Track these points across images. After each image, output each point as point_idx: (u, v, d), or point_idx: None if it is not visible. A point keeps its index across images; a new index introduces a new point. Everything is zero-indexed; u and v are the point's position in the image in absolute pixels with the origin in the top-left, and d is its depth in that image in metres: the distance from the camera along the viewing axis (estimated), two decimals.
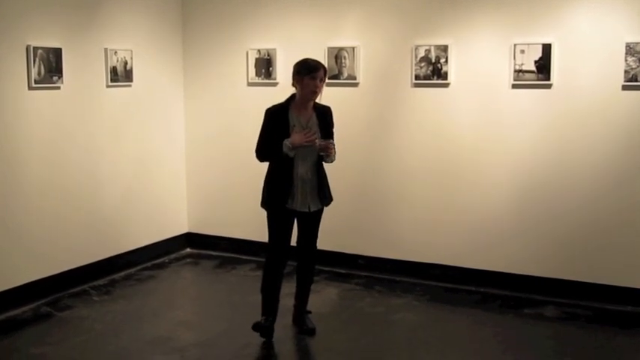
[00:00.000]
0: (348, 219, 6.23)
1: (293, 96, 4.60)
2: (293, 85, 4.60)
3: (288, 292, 4.94)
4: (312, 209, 4.64)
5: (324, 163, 4.68)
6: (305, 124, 4.55)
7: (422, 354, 4.59)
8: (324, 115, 4.67)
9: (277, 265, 4.67)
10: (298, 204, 4.58)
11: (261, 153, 4.57)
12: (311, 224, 4.74)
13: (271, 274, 4.67)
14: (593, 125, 5.27)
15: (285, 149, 4.44)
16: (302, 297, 4.90)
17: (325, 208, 6.11)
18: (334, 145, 4.57)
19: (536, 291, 5.55)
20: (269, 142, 4.51)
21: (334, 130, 4.75)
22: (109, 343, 4.71)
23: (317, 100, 4.63)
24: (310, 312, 4.94)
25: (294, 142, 4.44)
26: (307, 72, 4.47)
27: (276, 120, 4.52)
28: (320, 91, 4.54)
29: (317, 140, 4.50)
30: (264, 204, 4.66)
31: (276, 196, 4.57)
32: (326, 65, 6.04)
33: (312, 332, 4.83)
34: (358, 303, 5.50)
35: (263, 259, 4.85)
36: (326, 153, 4.54)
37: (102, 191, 6.02)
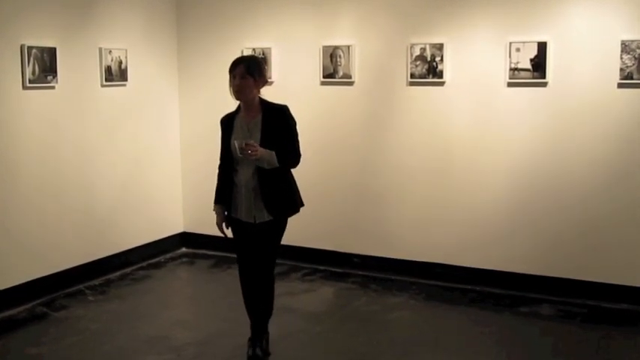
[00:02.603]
0: (343, 217, 6.23)
1: None
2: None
3: (283, 291, 4.93)
4: (257, 221, 4.22)
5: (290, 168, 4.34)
6: (247, 127, 4.20)
7: (418, 352, 4.59)
8: (275, 116, 4.20)
9: (245, 276, 4.39)
10: (243, 214, 4.24)
11: (219, 168, 4.41)
12: (262, 238, 4.25)
13: (243, 286, 4.43)
14: (589, 123, 5.27)
15: (214, 204, 4.40)
16: (256, 331, 4.42)
17: (320, 207, 6.12)
18: (255, 145, 4.02)
19: (532, 289, 5.55)
20: (224, 156, 4.32)
21: (297, 131, 4.31)
22: (104, 343, 4.70)
23: (263, 97, 4.26)
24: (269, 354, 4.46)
25: (217, 221, 4.38)
26: (229, 71, 4.16)
27: (225, 127, 4.30)
28: (243, 89, 4.11)
29: (235, 142, 4.08)
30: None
31: (227, 207, 4.33)
32: (321, 64, 6.09)
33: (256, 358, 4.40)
34: (354, 302, 5.50)
35: None
36: (243, 155, 4.04)
37: (97, 191, 6.01)
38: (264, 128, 4.17)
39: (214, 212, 4.42)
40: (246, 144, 4.02)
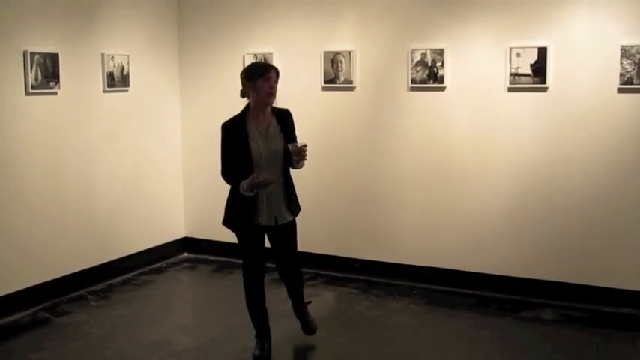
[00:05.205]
0: (344, 222, 6.24)
1: (248, 106, 4.33)
2: (242, 94, 4.34)
3: (285, 295, 4.93)
4: (279, 222, 4.35)
5: (291, 169, 4.42)
6: (265, 132, 4.27)
7: (420, 357, 4.59)
8: (285, 119, 4.38)
9: (256, 281, 4.44)
10: (264, 219, 4.31)
11: (229, 177, 4.27)
12: (283, 239, 4.46)
13: (252, 290, 4.46)
14: (589, 128, 5.29)
15: (241, 190, 4.17)
16: (297, 296, 4.73)
17: (322, 211, 6.15)
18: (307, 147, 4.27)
19: (533, 293, 5.56)
20: (232, 163, 4.24)
21: (296, 133, 4.47)
22: (106, 348, 4.71)
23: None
24: (310, 301, 4.87)
25: (252, 185, 4.12)
26: (259, 74, 4.21)
27: (234, 134, 4.24)
28: (275, 92, 4.27)
29: (289, 145, 4.25)
30: (227, 223, 4.40)
31: (240, 213, 4.30)
32: (322, 69, 6.12)
33: (311, 332, 4.78)
34: (356, 306, 5.51)
35: None
36: (299, 157, 4.23)
37: (99, 196, 6.03)
38: (283, 132, 4.33)
39: (245, 189, 4.16)
40: (304, 146, 4.23)
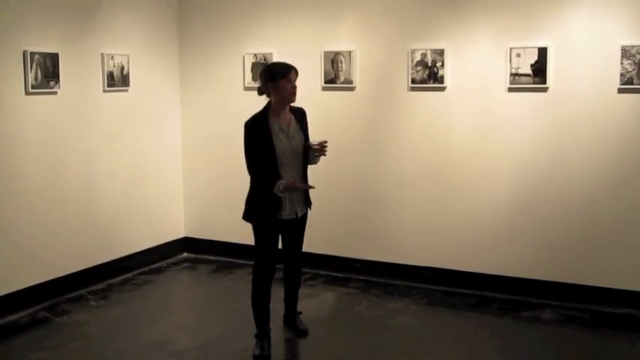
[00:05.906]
0: (344, 222, 6.24)
1: (268, 104, 4.49)
2: (260, 92, 4.53)
3: (281, 296, 4.94)
4: (299, 215, 4.59)
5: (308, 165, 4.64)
6: (287, 129, 4.47)
7: (420, 357, 4.59)
8: (302, 117, 4.62)
9: (269, 278, 4.55)
10: (286, 212, 4.50)
11: (257, 173, 4.44)
12: (299, 230, 4.72)
13: (263, 287, 4.55)
14: (589, 128, 5.28)
15: (275, 190, 4.35)
16: (292, 300, 4.95)
17: (322, 212, 6.15)
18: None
19: (533, 294, 5.56)
20: (259, 160, 4.40)
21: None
22: (106, 348, 4.71)
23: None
24: (301, 312, 4.99)
25: (289, 187, 4.37)
26: (282, 75, 4.40)
27: (257, 131, 4.40)
28: (296, 92, 4.48)
29: (311, 142, 4.52)
30: (251, 217, 4.52)
31: (266, 208, 4.45)
32: (322, 70, 6.12)
33: (305, 333, 4.87)
34: (356, 307, 5.51)
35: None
36: (320, 153, 4.50)
37: (99, 196, 6.03)
38: (302, 130, 4.56)
39: (281, 190, 4.38)
40: (324, 142, 4.48)
